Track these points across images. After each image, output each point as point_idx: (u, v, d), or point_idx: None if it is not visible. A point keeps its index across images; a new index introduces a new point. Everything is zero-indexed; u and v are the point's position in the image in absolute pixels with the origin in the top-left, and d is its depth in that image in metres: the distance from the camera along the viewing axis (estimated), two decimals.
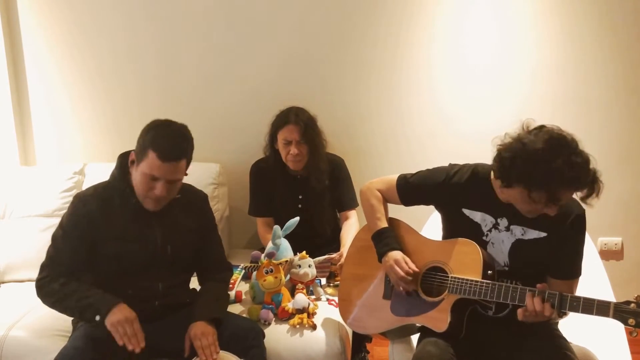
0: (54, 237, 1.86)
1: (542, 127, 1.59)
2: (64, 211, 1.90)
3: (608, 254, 2.95)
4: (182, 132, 1.85)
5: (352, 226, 2.54)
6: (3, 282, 2.52)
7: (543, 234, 1.68)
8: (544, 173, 1.50)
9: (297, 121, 2.45)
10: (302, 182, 2.57)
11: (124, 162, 1.87)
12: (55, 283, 1.79)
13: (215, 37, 2.81)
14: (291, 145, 2.46)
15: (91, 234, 1.83)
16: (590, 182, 1.53)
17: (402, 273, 1.78)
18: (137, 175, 1.80)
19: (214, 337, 1.80)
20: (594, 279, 2.06)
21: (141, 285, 1.87)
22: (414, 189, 1.88)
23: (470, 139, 2.81)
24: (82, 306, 1.75)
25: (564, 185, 1.52)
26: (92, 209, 1.84)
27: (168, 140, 1.78)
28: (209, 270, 2.04)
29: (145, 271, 1.88)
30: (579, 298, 1.53)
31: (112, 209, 1.85)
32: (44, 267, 1.84)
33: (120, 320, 1.70)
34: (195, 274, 2.08)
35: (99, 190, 1.90)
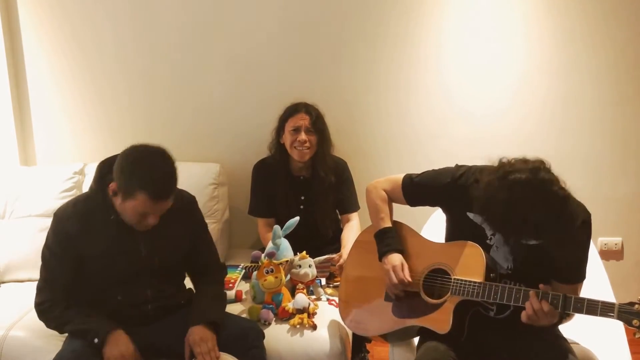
0: (43, 257, 1.84)
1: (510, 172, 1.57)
2: None
3: (608, 254, 2.95)
4: (168, 165, 1.75)
5: (353, 228, 2.53)
6: (3, 282, 2.51)
7: (551, 235, 1.66)
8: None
9: (308, 110, 2.49)
10: (304, 183, 2.56)
11: (104, 171, 1.80)
12: (56, 310, 1.80)
13: (216, 37, 2.81)
14: (299, 133, 2.45)
15: (74, 252, 1.80)
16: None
17: (395, 280, 1.78)
18: (126, 209, 1.74)
19: (214, 342, 1.79)
20: (594, 279, 2.06)
21: (130, 292, 1.86)
22: (419, 189, 1.87)
23: (470, 140, 2.82)
24: (80, 330, 1.77)
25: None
26: (71, 229, 1.79)
27: (158, 181, 1.70)
28: (201, 273, 2.02)
29: (133, 280, 1.86)
30: (582, 299, 1.53)
31: (92, 226, 1.80)
32: (40, 290, 1.84)
33: (116, 357, 1.71)
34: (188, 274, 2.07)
35: (78, 205, 1.84)
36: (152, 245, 1.86)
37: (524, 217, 1.50)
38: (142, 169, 1.71)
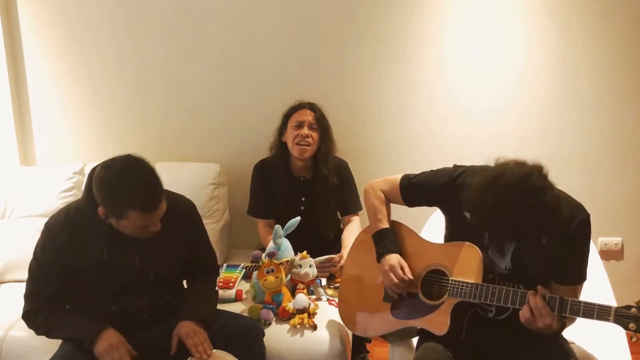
0: (30, 268, 1.81)
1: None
2: None
3: (608, 254, 2.95)
4: (149, 174, 1.69)
5: (354, 229, 2.52)
6: (3, 282, 2.52)
7: (545, 240, 1.66)
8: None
9: (312, 108, 2.51)
10: (305, 184, 2.56)
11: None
12: (40, 316, 1.79)
13: (216, 37, 2.81)
14: (302, 128, 2.45)
15: (65, 263, 1.76)
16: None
17: (395, 280, 1.78)
18: (123, 228, 1.70)
19: (205, 336, 1.79)
20: (594, 279, 2.05)
21: (124, 302, 1.83)
22: (416, 189, 1.87)
23: (470, 139, 2.82)
24: (69, 338, 1.78)
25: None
26: (61, 240, 1.75)
27: (144, 195, 1.65)
28: (196, 272, 2.01)
29: (127, 291, 1.83)
30: (579, 302, 1.52)
31: (83, 237, 1.76)
32: (26, 299, 1.82)
33: (106, 348, 1.70)
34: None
35: (70, 215, 1.79)
36: (146, 258, 1.82)
37: (511, 221, 1.49)
38: (122, 189, 1.64)
